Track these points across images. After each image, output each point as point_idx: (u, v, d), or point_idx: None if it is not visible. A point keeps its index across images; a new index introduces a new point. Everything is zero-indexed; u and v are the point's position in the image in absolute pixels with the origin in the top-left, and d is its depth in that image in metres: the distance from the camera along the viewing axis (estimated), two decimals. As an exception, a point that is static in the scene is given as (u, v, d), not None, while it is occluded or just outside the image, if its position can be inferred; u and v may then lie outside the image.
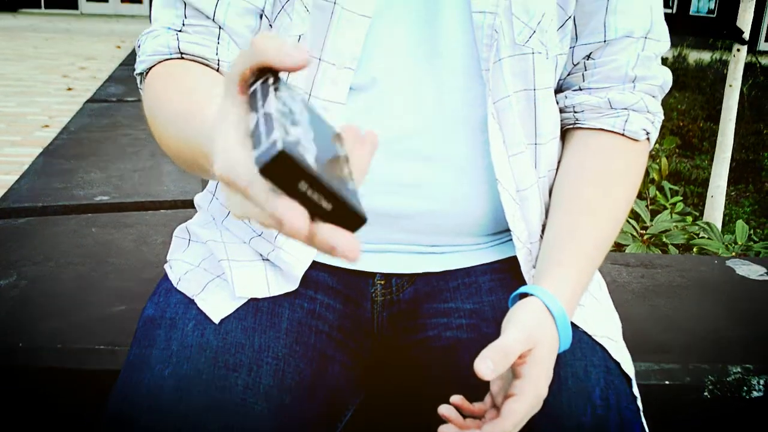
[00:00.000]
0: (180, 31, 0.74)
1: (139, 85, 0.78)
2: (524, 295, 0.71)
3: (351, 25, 0.71)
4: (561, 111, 0.83)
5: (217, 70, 0.74)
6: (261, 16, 0.75)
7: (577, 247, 0.74)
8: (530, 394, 0.63)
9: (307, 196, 0.38)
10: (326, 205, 0.39)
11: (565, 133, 0.84)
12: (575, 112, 0.81)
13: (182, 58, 0.73)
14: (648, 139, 0.82)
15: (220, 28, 0.74)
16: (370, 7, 0.71)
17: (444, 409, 0.63)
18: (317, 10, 0.71)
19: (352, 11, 0.71)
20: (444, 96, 0.74)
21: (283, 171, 0.37)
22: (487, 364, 0.60)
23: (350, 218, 0.40)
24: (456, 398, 0.64)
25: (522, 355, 0.64)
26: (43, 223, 1.48)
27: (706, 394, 1.07)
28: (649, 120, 0.81)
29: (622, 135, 0.80)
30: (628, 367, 0.75)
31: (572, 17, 0.78)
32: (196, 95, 0.64)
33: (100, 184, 1.80)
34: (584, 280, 0.73)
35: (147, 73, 0.75)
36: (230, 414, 0.66)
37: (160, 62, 0.74)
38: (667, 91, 0.83)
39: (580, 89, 0.81)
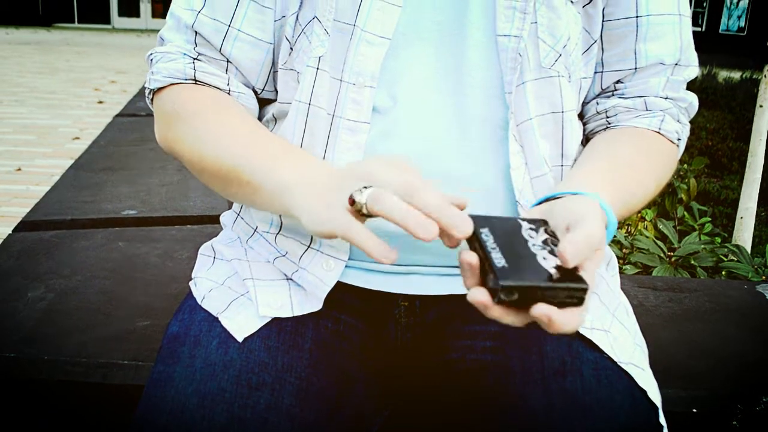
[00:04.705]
0: (196, 59, 0.78)
1: (147, 96, 0.82)
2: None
3: (370, 46, 0.72)
4: (591, 120, 0.83)
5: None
6: (274, 50, 0.78)
7: (623, 192, 0.72)
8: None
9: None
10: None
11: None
12: (608, 116, 0.82)
13: (195, 83, 0.78)
14: (677, 146, 0.82)
15: (227, 60, 0.78)
16: (390, 29, 0.72)
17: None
18: (337, 32, 0.73)
19: (372, 33, 0.72)
20: (465, 118, 0.74)
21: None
22: (572, 249, 0.55)
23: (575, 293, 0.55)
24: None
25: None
26: (71, 237, 1.50)
27: (734, 422, 1.04)
28: (681, 127, 0.82)
29: (658, 133, 0.80)
30: (655, 395, 0.74)
31: (597, 41, 0.78)
32: (249, 125, 0.74)
33: (127, 198, 1.82)
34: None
35: (158, 89, 0.79)
36: (252, 433, 0.66)
37: (172, 84, 0.78)
38: (693, 114, 0.84)
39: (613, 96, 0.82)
